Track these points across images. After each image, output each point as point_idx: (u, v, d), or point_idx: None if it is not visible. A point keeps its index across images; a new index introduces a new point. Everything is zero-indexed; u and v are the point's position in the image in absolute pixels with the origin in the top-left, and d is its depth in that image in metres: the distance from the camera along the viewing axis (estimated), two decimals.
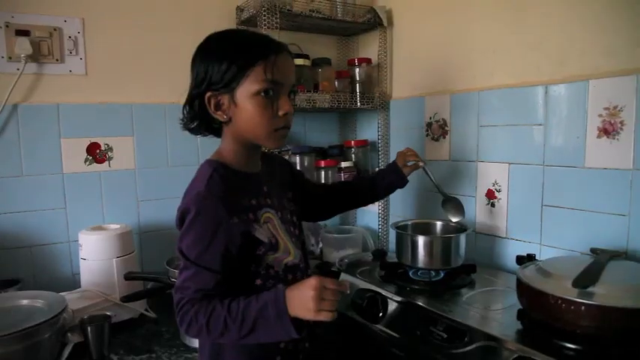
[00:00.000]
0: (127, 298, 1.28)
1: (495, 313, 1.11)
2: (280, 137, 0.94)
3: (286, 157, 1.70)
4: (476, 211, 1.54)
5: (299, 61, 1.69)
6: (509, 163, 1.43)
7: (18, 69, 1.45)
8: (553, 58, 1.30)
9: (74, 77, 1.54)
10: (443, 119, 1.63)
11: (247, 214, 0.91)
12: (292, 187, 1.10)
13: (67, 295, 1.27)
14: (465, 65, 1.55)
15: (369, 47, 1.91)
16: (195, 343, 1.22)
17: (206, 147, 1.73)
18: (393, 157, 1.82)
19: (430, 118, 1.68)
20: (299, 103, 1.65)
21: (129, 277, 1.31)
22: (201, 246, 0.86)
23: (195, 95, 0.92)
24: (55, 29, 1.51)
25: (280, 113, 0.90)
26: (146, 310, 1.40)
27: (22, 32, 1.46)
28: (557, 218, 1.32)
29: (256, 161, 1.01)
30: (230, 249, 0.87)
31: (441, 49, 1.63)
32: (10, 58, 1.45)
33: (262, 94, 0.88)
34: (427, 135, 1.70)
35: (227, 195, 0.89)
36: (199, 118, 0.95)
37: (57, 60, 1.52)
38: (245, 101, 0.89)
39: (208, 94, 0.90)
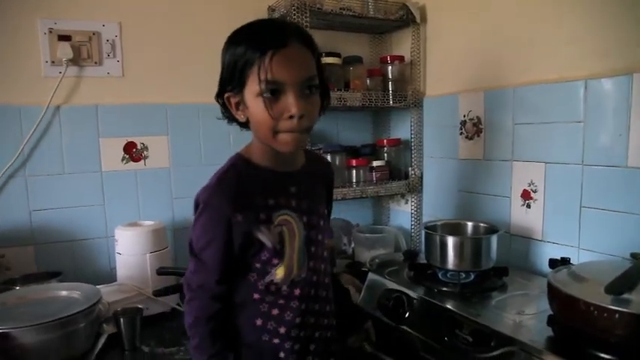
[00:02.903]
0: (159, 293, 1.31)
1: (526, 318, 1.07)
2: (288, 142, 0.85)
3: None
4: (511, 212, 1.49)
5: (329, 60, 1.69)
6: (546, 163, 1.37)
7: (60, 72, 1.52)
8: (593, 52, 1.24)
9: (112, 79, 1.60)
10: (477, 117, 1.59)
11: (257, 213, 0.88)
12: (326, 196, 1.05)
13: (103, 288, 1.32)
14: (499, 61, 1.50)
15: (402, 45, 1.88)
16: None
17: (238, 145, 1.75)
18: (426, 156, 1.81)
19: (464, 116, 1.64)
20: (330, 101, 1.63)
21: (160, 272, 1.35)
22: (204, 240, 0.88)
23: (218, 94, 0.91)
24: (94, 34, 1.57)
25: (285, 116, 0.82)
26: (178, 304, 1.43)
27: (64, 37, 1.53)
28: (597, 220, 1.26)
29: (290, 159, 0.94)
30: (231, 248, 0.87)
31: (475, 45, 1.59)
32: (53, 62, 1.52)
33: (264, 95, 0.82)
34: (461, 134, 1.66)
35: (236, 191, 0.87)
36: (226, 116, 0.94)
37: (96, 63, 1.58)
38: (251, 103, 0.85)
39: (227, 94, 0.89)
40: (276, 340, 0.91)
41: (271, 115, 0.82)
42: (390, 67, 1.81)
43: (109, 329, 1.25)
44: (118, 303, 1.31)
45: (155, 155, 1.66)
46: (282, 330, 0.91)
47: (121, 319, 1.21)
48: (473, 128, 1.61)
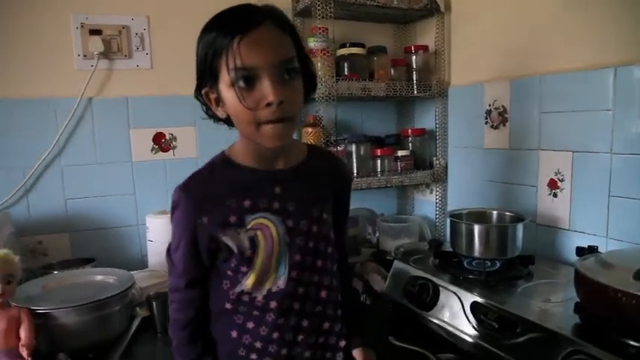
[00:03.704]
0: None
1: (552, 305, 1.07)
2: (271, 134, 0.76)
3: (342, 147, 1.71)
4: (537, 201, 1.48)
5: (354, 50, 1.69)
6: (574, 152, 1.36)
7: (92, 65, 1.57)
8: (623, 39, 1.22)
9: (141, 71, 1.64)
10: (503, 106, 1.58)
11: (227, 215, 0.80)
12: (334, 199, 0.92)
13: (136, 274, 1.36)
14: (526, 49, 1.49)
15: (426, 34, 1.88)
16: None
17: None
18: (451, 146, 1.81)
19: (489, 105, 1.63)
20: (354, 91, 1.65)
21: None
22: (174, 241, 0.84)
23: (196, 91, 0.84)
24: (123, 27, 1.61)
25: (263, 103, 0.74)
26: None
27: (95, 32, 1.58)
28: (626, 210, 1.24)
29: (276, 156, 0.84)
30: (198, 251, 0.82)
31: (500, 33, 1.58)
32: (85, 56, 1.57)
33: (236, 84, 0.74)
34: (486, 123, 1.65)
35: (205, 192, 0.82)
36: (209, 115, 0.86)
37: (125, 56, 1.62)
38: (226, 95, 0.77)
39: (204, 89, 0.81)
40: (253, 356, 0.83)
41: (246, 105, 0.74)
42: (414, 57, 1.81)
43: (142, 312, 1.30)
44: (150, 288, 1.35)
45: (183, 145, 1.70)
46: (258, 345, 0.82)
47: (154, 303, 1.25)
48: (498, 117, 1.60)
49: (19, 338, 1.05)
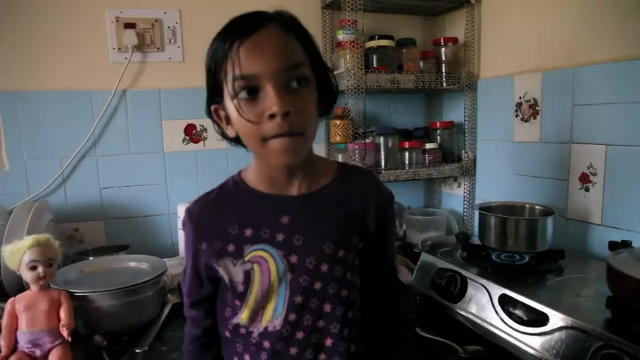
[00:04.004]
0: None
1: (582, 300, 1.05)
2: (278, 150, 0.67)
3: (370, 139, 1.72)
4: (568, 195, 1.46)
5: (382, 42, 1.69)
6: (607, 145, 1.33)
7: (126, 58, 1.61)
8: None
9: (173, 64, 1.68)
10: (534, 99, 1.55)
11: (226, 243, 0.75)
12: (364, 230, 0.78)
13: (167, 261, 1.40)
14: (558, 41, 1.46)
15: (456, 26, 1.86)
16: None
17: None
18: (480, 139, 1.80)
19: (520, 98, 1.61)
20: (383, 83, 1.65)
21: None
22: (185, 260, 0.82)
23: (206, 108, 0.77)
24: (156, 21, 1.64)
25: (266, 115, 0.66)
26: None
27: (129, 25, 1.62)
28: None
29: (290, 179, 0.76)
30: (199, 275, 0.79)
31: (532, 24, 1.55)
32: (119, 49, 1.61)
33: (238, 95, 0.67)
34: (516, 116, 1.63)
35: (208, 216, 0.77)
36: (222, 135, 0.79)
37: (158, 49, 1.66)
38: (230, 109, 0.70)
39: (213, 106, 0.75)
40: None
41: (247, 117, 0.66)
42: (443, 49, 1.80)
43: (172, 299, 1.33)
44: (181, 275, 1.39)
45: (213, 137, 1.72)
46: None
47: None
48: (529, 110, 1.58)
49: (59, 319, 1.09)
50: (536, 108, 1.55)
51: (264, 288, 0.74)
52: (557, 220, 1.30)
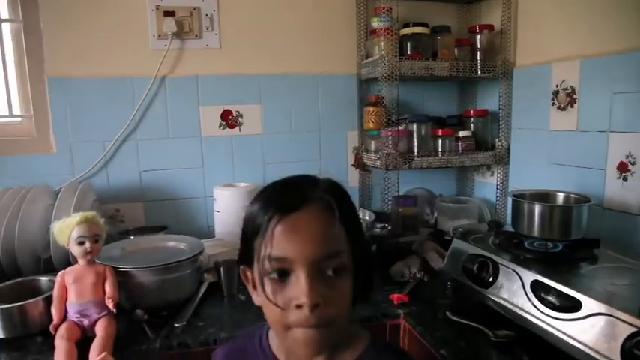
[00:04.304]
0: None
1: (616, 288, 1.04)
2: (299, 341, 0.63)
3: (403, 126, 1.72)
4: (604, 185, 1.44)
5: (417, 29, 1.69)
6: None
7: (165, 45, 1.66)
8: None
9: (210, 51, 1.72)
10: (571, 87, 1.53)
11: None
12: None
13: (204, 242, 1.45)
14: (598, 27, 1.43)
15: (492, 13, 1.84)
16: None
17: (327, 116, 1.85)
18: (514, 128, 1.79)
19: (557, 86, 1.58)
20: (417, 71, 1.65)
21: None
22: None
23: (237, 262, 0.73)
24: (194, 9, 1.69)
25: (293, 304, 0.61)
26: None
27: (169, 13, 1.67)
28: None
29: (312, 357, 0.69)
30: None
31: (571, 10, 1.52)
32: (159, 36, 1.67)
33: (268, 275, 0.63)
34: (552, 104, 1.61)
35: None
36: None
37: (196, 36, 1.70)
38: (258, 284, 0.65)
39: (242, 266, 0.71)
40: None
41: (274, 301, 0.62)
42: (478, 37, 1.78)
43: (209, 278, 1.38)
44: (217, 255, 1.44)
45: (249, 122, 1.78)
46: None
47: (221, 269, 1.33)
48: (566, 98, 1.55)
49: (104, 292, 1.15)
50: (574, 96, 1.52)
51: None
52: (593, 210, 1.28)
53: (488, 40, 1.78)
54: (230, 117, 1.76)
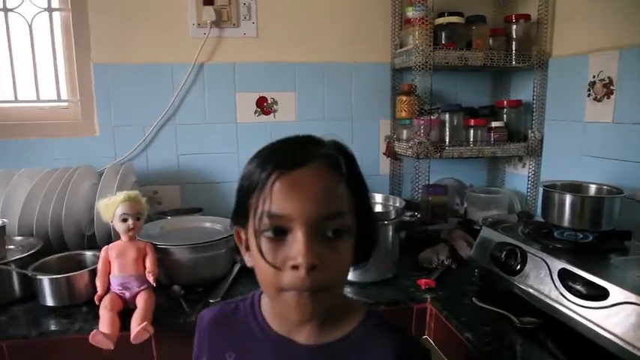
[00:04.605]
0: None
1: None
2: (291, 305, 0.59)
3: (435, 116, 1.73)
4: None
5: (452, 19, 1.69)
6: None
7: (204, 33, 1.71)
8: None
9: (247, 39, 1.77)
10: (609, 77, 1.51)
11: None
12: None
13: None
14: (636, 17, 1.40)
15: (528, 2, 1.81)
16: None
17: (360, 105, 1.88)
18: (548, 119, 1.77)
19: (594, 76, 1.56)
20: (450, 60, 1.66)
21: None
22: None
23: (231, 222, 0.70)
24: None
25: (289, 264, 0.58)
26: None
27: (208, 2, 1.71)
28: None
29: (300, 325, 0.67)
30: None
31: (608, 0, 1.50)
32: (199, 24, 1.72)
33: (263, 233, 0.60)
34: (589, 95, 1.59)
35: (213, 332, 0.75)
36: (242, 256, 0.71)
37: (234, 25, 1.75)
38: (252, 243, 0.62)
39: (236, 227, 0.68)
40: None
41: (270, 262, 0.59)
42: (514, 27, 1.77)
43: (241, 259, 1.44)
44: None
45: (283, 109, 1.82)
46: None
47: None
48: (603, 89, 1.53)
49: (144, 267, 1.22)
50: (611, 87, 1.50)
51: None
52: (626, 203, 1.27)
53: (524, 30, 1.76)
54: (265, 104, 1.81)
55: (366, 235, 0.65)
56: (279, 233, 0.59)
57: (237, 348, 0.70)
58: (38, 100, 1.76)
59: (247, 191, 0.62)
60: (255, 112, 1.81)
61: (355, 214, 0.62)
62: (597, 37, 1.55)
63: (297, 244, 0.57)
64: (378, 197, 1.58)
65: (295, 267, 0.57)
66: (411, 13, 1.67)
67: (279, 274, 0.59)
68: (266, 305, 0.72)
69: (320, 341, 0.67)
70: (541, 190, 1.36)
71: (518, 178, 1.95)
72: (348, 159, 0.63)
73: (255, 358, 0.69)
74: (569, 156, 1.67)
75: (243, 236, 0.67)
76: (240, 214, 0.64)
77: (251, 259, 0.64)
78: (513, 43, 1.77)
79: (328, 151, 0.62)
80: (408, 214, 1.46)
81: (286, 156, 0.61)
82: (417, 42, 1.62)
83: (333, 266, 0.60)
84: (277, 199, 0.58)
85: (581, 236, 1.25)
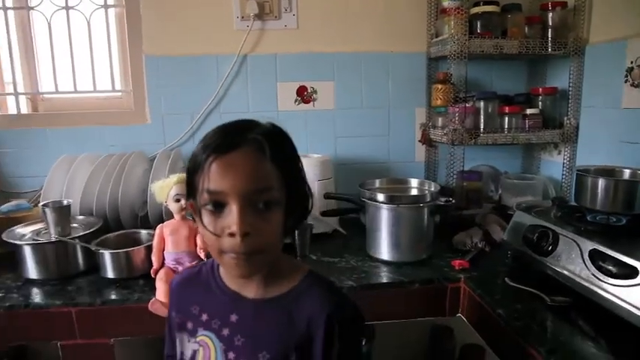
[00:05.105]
0: (325, 213, 1.56)
1: None
2: (232, 265, 0.71)
3: (470, 103, 1.77)
4: None
5: (487, 8, 1.71)
6: None
7: (247, 26, 1.80)
8: None
9: (288, 31, 1.85)
10: None
11: (186, 320, 0.83)
12: (308, 354, 0.76)
13: None
14: None
15: None
16: (379, 253, 1.45)
17: (396, 93, 1.93)
18: (584, 106, 1.78)
19: (632, 62, 1.56)
20: (486, 49, 1.69)
21: (327, 196, 1.58)
22: None
23: (186, 196, 0.80)
24: None
25: (226, 231, 0.69)
26: (339, 227, 1.67)
27: None
28: None
29: (248, 281, 0.78)
30: (170, 335, 0.88)
31: None
32: (242, 17, 1.81)
33: (205, 207, 0.71)
34: (626, 81, 1.59)
35: (181, 290, 0.87)
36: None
37: (275, 17, 1.83)
38: (196, 214, 0.74)
39: (190, 200, 0.77)
40: None
41: (211, 231, 0.70)
42: (550, 14, 1.78)
43: (284, 239, 1.52)
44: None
45: (322, 98, 1.90)
46: None
47: (296, 231, 1.47)
48: None
49: (196, 244, 1.32)
50: None
51: None
52: None
53: (561, 18, 1.77)
54: (305, 93, 1.89)
55: (296, 206, 0.76)
56: (218, 207, 0.70)
57: (200, 302, 0.83)
58: (95, 91, 1.90)
59: (192, 171, 0.73)
60: (296, 101, 1.89)
61: (285, 188, 0.72)
62: (636, 23, 1.55)
63: (232, 215, 0.68)
64: (413, 182, 1.64)
65: (232, 234, 0.68)
66: (446, 2, 1.71)
67: (219, 240, 0.70)
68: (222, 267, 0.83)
69: (265, 296, 0.78)
70: (575, 175, 1.38)
71: (553, 165, 1.96)
72: (277, 141, 0.74)
73: (215, 309, 0.81)
74: (605, 142, 1.68)
75: (195, 208, 0.76)
76: (191, 191, 0.74)
77: (200, 227, 0.74)
78: (549, 30, 1.78)
79: (256, 136, 0.71)
80: (443, 199, 1.50)
81: (221, 141, 0.71)
82: (452, 31, 1.66)
83: (264, 233, 0.70)
84: (214, 178, 0.69)
85: (614, 219, 1.27)
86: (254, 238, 0.69)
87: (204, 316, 0.81)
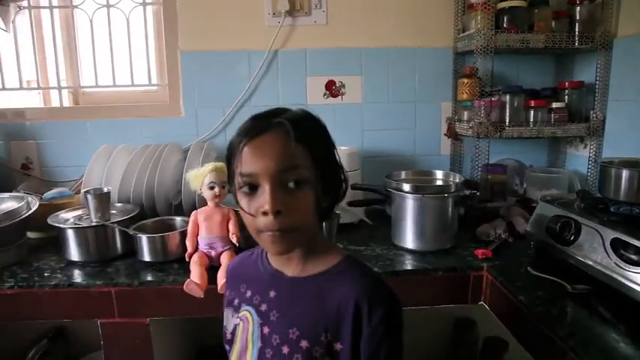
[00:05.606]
0: (352, 204, 1.61)
1: None
2: (268, 242, 0.76)
3: (496, 97, 1.79)
4: None
5: (514, 3, 1.73)
6: None
7: (279, 22, 1.86)
8: None
9: (318, 27, 1.90)
10: None
11: (235, 296, 0.91)
12: (338, 334, 0.78)
13: None
14: None
15: None
16: (404, 242, 1.49)
17: (423, 88, 1.97)
18: (611, 99, 1.78)
19: None
20: (512, 43, 1.71)
21: (354, 187, 1.62)
22: None
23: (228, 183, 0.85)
24: None
25: (260, 210, 0.73)
26: (365, 218, 1.72)
27: None
28: None
29: (288, 260, 0.84)
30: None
31: None
32: (273, 14, 1.87)
33: (241, 189, 0.76)
34: None
35: (236, 271, 0.96)
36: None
37: (306, 13, 1.89)
38: (234, 197, 0.80)
39: (233, 187, 0.81)
40: None
41: (247, 211, 0.76)
42: (578, 8, 1.78)
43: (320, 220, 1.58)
44: None
45: (350, 92, 1.95)
46: None
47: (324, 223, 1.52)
48: None
49: (228, 230, 1.39)
50: None
51: (242, 344, 0.86)
52: None
53: (589, 11, 1.77)
54: (333, 87, 1.94)
55: (329, 187, 0.80)
56: (252, 188, 0.75)
57: (248, 280, 0.90)
58: (132, 85, 1.99)
59: (229, 158, 0.79)
60: (324, 95, 1.95)
61: (314, 168, 0.76)
62: None
63: (264, 195, 0.73)
64: (438, 174, 1.67)
65: (265, 213, 0.73)
66: None
67: (255, 219, 0.75)
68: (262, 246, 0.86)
69: (302, 274, 0.83)
70: (600, 167, 1.40)
71: (579, 158, 1.97)
72: (302, 123, 0.78)
73: (257, 285, 0.88)
74: (632, 136, 1.68)
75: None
76: (231, 178, 0.80)
77: (239, 210, 0.79)
78: (576, 24, 1.78)
79: (282, 120, 0.76)
80: (467, 191, 1.53)
81: (251, 126, 0.77)
82: (478, 26, 1.69)
83: (296, 210, 0.74)
84: (246, 161, 0.74)
85: (638, 210, 1.28)
86: (286, 216, 0.73)
87: (249, 293, 0.88)
